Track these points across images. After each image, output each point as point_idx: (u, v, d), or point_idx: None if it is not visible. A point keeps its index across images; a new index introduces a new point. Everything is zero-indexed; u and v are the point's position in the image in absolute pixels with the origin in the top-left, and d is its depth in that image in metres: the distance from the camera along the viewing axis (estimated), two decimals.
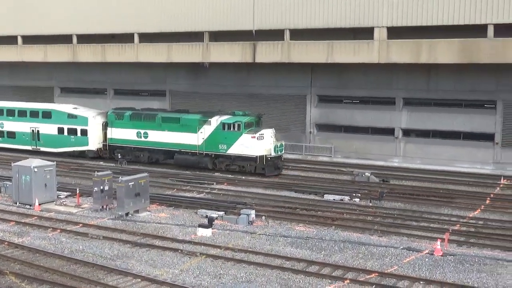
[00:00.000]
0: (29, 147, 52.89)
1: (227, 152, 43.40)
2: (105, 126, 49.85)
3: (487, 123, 45.83)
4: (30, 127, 52.59)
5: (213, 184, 41.67)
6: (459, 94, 46.66)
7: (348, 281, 23.37)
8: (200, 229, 29.83)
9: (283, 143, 44.44)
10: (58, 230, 30.49)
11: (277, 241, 28.69)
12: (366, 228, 30.72)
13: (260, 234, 29.75)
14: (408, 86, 48.45)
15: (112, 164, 47.80)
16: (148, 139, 46.99)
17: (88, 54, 57.96)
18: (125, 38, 55.47)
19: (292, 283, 23.32)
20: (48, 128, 51.62)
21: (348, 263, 25.50)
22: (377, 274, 23.97)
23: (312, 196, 38.00)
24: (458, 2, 41.90)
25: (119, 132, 48.42)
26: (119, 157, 47.97)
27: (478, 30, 41.70)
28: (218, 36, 52.48)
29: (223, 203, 35.85)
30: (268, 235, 29.59)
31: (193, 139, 44.47)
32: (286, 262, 25.65)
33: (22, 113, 53.42)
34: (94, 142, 49.99)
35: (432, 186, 40.57)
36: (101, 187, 33.64)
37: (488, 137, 46.02)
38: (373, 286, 22.77)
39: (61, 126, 51.05)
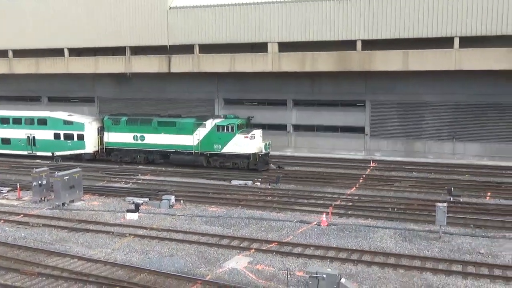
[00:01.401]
0: (25, 152, 48.43)
1: (222, 151, 41.37)
2: (100, 131, 46.53)
3: (358, 119, 47.57)
4: (26, 134, 48.14)
5: (138, 175, 40.76)
6: (337, 96, 48.06)
7: (253, 250, 23.62)
8: (128, 213, 29.16)
9: (271, 142, 42.70)
10: (2, 221, 28.82)
11: (194, 220, 28.52)
12: (266, 206, 31.09)
13: (179, 215, 29.46)
14: (296, 90, 49.43)
15: (65, 163, 45.69)
16: (145, 141, 44.12)
17: (23, 66, 55.05)
18: (57, 52, 53.16)
19: (208, 255, 23.29)
20: (44, 134, 47.48)
21: (253, 235, 25.74)
22: (276, 244, 24.36)
23: (221, 182, 38.01)
24: (333, 22, 43.26)
25: (115, 136, 45.21)
26: (118, 159, 45.59)
27: (350, 44, 43.28)
28: (139, 50, 51.42)
29: (147, 191, 35.19)
30: (186, 216, 29.36)
31: (189, 140, 42.32)
32: (202, 237, 25.56)
33: (16, 121, 48.61)
34: (90, 146, 46.49)
35: (317, 170, 41.56)
36: (39, 182, 32.17)
37: (359, 130, 47.75)
38: (274, 253, 23.13)
39: (57, 132, 47.13)
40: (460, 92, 43.91)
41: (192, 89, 52.91)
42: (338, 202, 31.59)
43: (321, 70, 44.58)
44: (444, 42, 40.53)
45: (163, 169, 42.55)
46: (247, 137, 40.51)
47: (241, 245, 24.43)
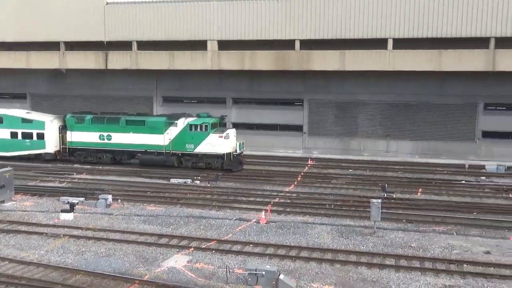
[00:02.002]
0: None
1: (194, 151, 39.85)
2: (61, 129, 43.77)
3: (297, 117, 48.27)
4: None
5: (73, 174, 39.57)
6: (276, 94, 48.58)
7: (192, 249, 23.47)
8: (62, 214, 28.25)
9: (244, 142, 41.44)
10: None
11: (132, 219, 28.00)
12: (206, 204, 30.98)
13: (117, 215, 28.83)
14: (236, 88, 49.52)
15: None
16: (112, 141, 41.83)
17: None
18: None
19: (146, 254, 22.93)
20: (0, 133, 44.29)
21: (192, 234, 25.58)
22: (216, 241, 24.31)
23: (160, 181, 37.53)
24: (273, 21, 43.70)
25: (79, 135, 42.65)
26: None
27: (288, 44, 43.83)
28: (76, 45, 49.90)
29: (83, 190, 34.22)
30: (124, 215, 28.78)
31: (160, 139, 40.52)
32: (140, 237, 25.14)
33: None
34: (51, 145, 43.66)
35: (257, 168, 41.80)
36: None
37: (298, 128, 48.49)
38: (213, 251, 23.10)
39: (14, 130, 44.01)
40: (393, 92, 45.46)
41: (130, 87, 51.92)
42: (276, 200, 31.90)
43: (260, 69, 44.93)
44: (379, 44, 41.80)
45: (100, 168, 41.49)
46: (222, 136, 39.25)
47: (180, 243, 24.21)
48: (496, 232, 25.58)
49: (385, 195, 32.23)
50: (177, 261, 22.12)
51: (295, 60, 43.56)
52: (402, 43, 41.45)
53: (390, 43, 41.49)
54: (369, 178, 37.43)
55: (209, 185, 36.12)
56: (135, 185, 36.16)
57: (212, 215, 28.66)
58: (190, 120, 40.17)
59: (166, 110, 49.82)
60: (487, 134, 44.61)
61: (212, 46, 45.39)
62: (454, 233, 25.50)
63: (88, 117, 42.73)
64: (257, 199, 32.15)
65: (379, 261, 21.95)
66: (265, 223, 27.06)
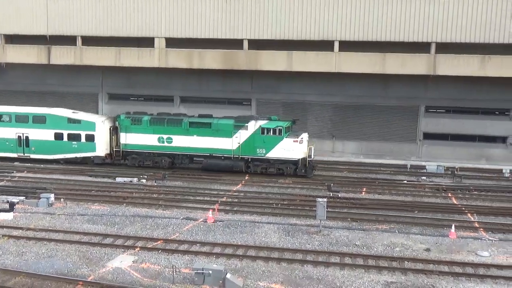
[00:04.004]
0: (14, 155, 41.49)
1: (266, 155, 37.62)
2: (112, 131, 40.96)
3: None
4: (16, 133, 41.11)
5: (13, 172, 38.11)
6: (224, 93, 48.52)
7: (138, 248, 23.11)
8: (1, 213, 27.15)
9: (314, 146, 38.92)
10: None
11: (75, 219, 27.27)
12: (152, 203, 30.58)
13: (59, 214, 28.00)
14: (184, 86, 49.13)
15: None
16: (172, 144, 39.03)
17: None
18: None
19: (90, 254, 22.39)
20: (41, 134, 40.77)
21: (138, 233, 25.18)
22: (162, 241, 24.04)
23: (105, 179, 36.72)
24: (221, 20, 43.60)
25: (135, 138, 39.57)
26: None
27: (237, 44, 43.88)
28: (17, 39, 48.03)
29: (23, 189, 33.02)
30: (67, 214, 27.99)
31: (227, 143, 38.00)
32: (84, 237, 24.52)
33: (4, 117, 41.44)
34: (102, 148, 40.60)
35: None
36: None
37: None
38: (159, 251, 22.82)
39: (59, 131, 40.57)
40: (340, 93, 46.34)
41: (74, 82, 50.55)
42: (224, 199, 31.87)
43: (209, 68, 44.75)
44: (326, 46, 42.49)
45: (42, 166, 40.15)
46: (297, 141, 37.13)
47: (126, 243, 23.79)
48: (436, 230, 26.53)
49: (331, 194, 32.81)
50: (122, 261, 21.71)
51: (243, 60, 43.68)
52: (348, 46, 42.30)
53: (336, 46, 42.25)
54: (315, 178, 37.96)
55: (155, 184, 35.65)
56: (79, 183, 35.25)
57: (159, 215, 28.31)
58: (262, 123, 37.62)
59: (112, 108, 48.80)
60: (427, 136, 46.25)
61: (160, 43, 44.85)
62: (396, 231, 26.26)
63: (146, 118, 39.64)
64: (205, 198, 32.02)
65: (325, 259, 22.32)
66: (213, 222, 26.99)
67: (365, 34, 41.84)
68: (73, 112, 41.93)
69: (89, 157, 40.83)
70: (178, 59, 44.73)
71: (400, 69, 41.58)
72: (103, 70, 49.21)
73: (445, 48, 41.20)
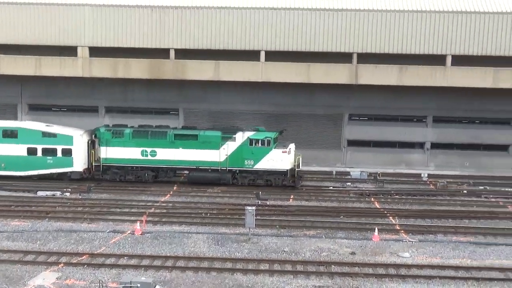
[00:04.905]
0: None
1: (254, 167, 37.13)
2: (90, 144, 38.77)
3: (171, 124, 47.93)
4: None
5: None
6: (151, 103, 47.90)
7: (62, 264, 22.33)
8: None
9: (301, 156, 38.42)
10: None
11: None
12: (77, 217, 29.63)
13: None
14: (109, 96, 48.06)
15: None
16: (157, 157, 37.70)
17: None
18: None
19: (10, 273, 21.36)
20: (12, 149, 37.88)
21: (61, 249, 24.33)
22: (88, 256, 23.36)
23: (26, 194, 35.19)
24: (147, 30, 43.17)
25: (117, 151, 37.83)
26: None
27: (164, 53, 43.57)
28: None
29: None
30: None
31: (215, 155, 37.14)
32: (3, 255, 23.34)
33: None
34: (80, 163, 38.30)
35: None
36: None
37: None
38: (85, 266, 22.16)
39: (32, 146, 37.93)
40: (267, 102, 47.04)
41: None
42: (152, 210, 31.44)
43: (135, 77, 44.09)
44: (253, 55, 43.08)
45: None
46: (285, 151, 36.96)
47: (49, 260, 22.90)
48: (360, 234, 27.49)
49: (259, 202, 33.17)
50: (45, 278, 20.89)
51: (170, 69, 43.39)
52: (274, 56, 43.10)
53: (262, 55, 42.95)
54: (244, 186, 38.21)
55: (80, 196, 34.60)
56: None
57: (84, 228, 27.49)
58: (249, 134, 37.28)
59: (33, 119, 46.79)
60: (351, 143, 47.88)
61: (83, 52, 43.67)
62: (323, 236, 26.97)
63: (128, 130, 38.21)
64: (132, 210, 31.45)
65: (254, 267, 22.53)
66: (141, 234, 26.56)
67: (290, 45, 42.80)
68: (47, 126, 39.80)
69: (65, 173, 38.83)
70: (103, 68, 43.74)
71: (324, 78, 42.85)
72: (22, 80, 47.18)
73: (365, 58, 42.92)
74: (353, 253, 24.41)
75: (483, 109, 46.45)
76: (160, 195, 35.56)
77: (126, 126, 39.40)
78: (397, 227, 28.65)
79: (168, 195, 35.51)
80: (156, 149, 37.81)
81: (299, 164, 37.69)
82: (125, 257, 23.33)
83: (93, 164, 38.74)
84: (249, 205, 29.88)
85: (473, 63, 42.72)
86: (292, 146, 37.95)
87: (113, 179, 38.59)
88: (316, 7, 43.48)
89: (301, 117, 47.20)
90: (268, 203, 33.38)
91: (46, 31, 43.68)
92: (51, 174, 38.72)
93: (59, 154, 38.25)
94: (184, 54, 44.18)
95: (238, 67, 42.97)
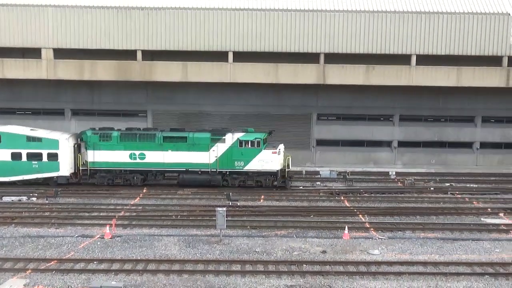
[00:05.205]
0: None
1: (244, 168, 36.90)
2: (76, 148, 37.77)
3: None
4: None
5: None
6: (118, 105, 47.34)
7: (30, 271, 21.86)
8: None
9: (291, 157, 38.50)
10: None
11: None
12: (44, 222, 29.03)
13: None
14: (75, 99, 47.27)
15: None
16: (146, 160, 37.13)
17: None
18: None
19: None
20: None
21: (29, 255, 23.81)
22: (56, 261, 22.92)
23: None
24: (112, 31, 42.62)
25: (104, 155, 37.08)
26: None
27: (131, 54, 43.13)
28: None
29: None
30: None
31: (204, 157, 36.82)
32: None
33: None
34: (66, 167, 37.32)
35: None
36: None
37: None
38: (53, 272, 21.75)
39: (16, 151, 36.70)
40: (236, 103, 47.06)
41: None
42: (122, 214, 31.07)
43: (101, 79, 43.50)
44: (221, 56, 43.01)
45: None
46: (275, 152, 36.88)
47: (16, 266, 22.37)
48: (331, 232, 27.75)
49: (230, 203, 33.14)
50: (12, 285, 20.43)
51: (137, 71, 42.95)
52: (243, 56, 43.13)
53: (230, 56, 42.91)
54: (214, 187, 38.12)
55: (47, 201, 33.93)
56: None
57: (52, 234, 26.97)
58: (239, 135, 37.05)
59: None
60: (320, 142, 48.30)
61: (47, 54, 42.83)
62: (294, 236, 27.11)
63: (116, 133, 37.49)
64: (101, 214, 31.02)
65: (226, 268, 22.50)
66: (110, 238, 26.21)
67: (258, 45, 42.89)
68: (31, 130, 38.95)
69: (51, 178, 37.90)
70: (68, 70, 43.00)
71: (292, 78, 43.10)
72: None
73: (332, 58, 43.35)
74: (324, 252, 24.61)
75: (447, 107, 47.54)
76: (130, 198, 35.17)
77: (112, 129, 38.80)
78: (367, 225, 29.03)
79: (138, 198, 35.15)
80: (145, 152, 37.42)
81: (288, 164, 37.81)
82: (95, 262, 22.99)
83: (81, 168, 38.09)
84: (220, 206, 29.85)
85: (438, 62, 43.66)
86: (281, 146, 38.03)
87: (100, 183, 38.05)
88: (284, 8, 43.83)
89: (270, 118, 47.34)
90: (239, 204, 33.37)
91: (8, 32, 42.69)
92: (37, 179, 37.89)
93: (45, 158, 37.36)
94: (152, 55, 43.83)
95: (206, 68, 42.84)
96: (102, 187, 37.75)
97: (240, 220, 29.71)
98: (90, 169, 37.79)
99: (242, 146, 36.90)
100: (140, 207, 32.76)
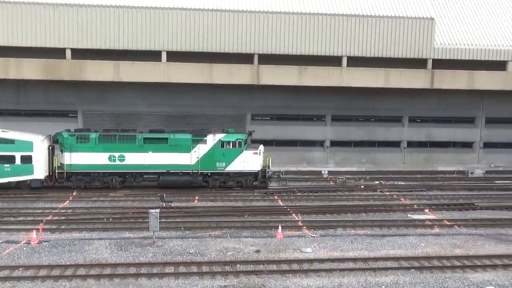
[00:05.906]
0: None
1: (226, 169, 36.73)
2: (51, 150, 35.88)
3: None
4: None
5: None
6: (46, 105, 45.60)
7: None
8: None
9: (270, 157, 38.36)
10: None
11: None
12: None
13: None
14: (1, 99, 45.13)
15: None
16: (125, 162, 36.03)
17: None
18: None
19: None
20: None
21: None
22: None
23: None
24: (40, 28, 41.02)
25: (82, 157, 35.67)
26: None
27: (60, 53, 41.65)
28: None
29: None
30: None
31: (186, 158, 36.19)
32: None
33: None
34: (41, 170, 35.31)
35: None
36: None
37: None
38: None
39: None
40: (170, 103, 46.52)
41: None
42: (50, 218, 29.91)
43: (28, 78, 41.74)
44: (154, 56, 42.38)
45: None
46: (256, 153, 37.10)
47: None
48: (265, 232, 27.94)
49: (164, 205, 32.69)
50: None
51: (66, 70, 41.54)
52: (178, 56, 42.68)
53: (164, 56, 42.37)
54: (148, 189, 37.49)
55: None
56: None
57: None
58: (220, 136, 36.80)
59: None
60: (254, 142, 48.42)
61: None
62: (228, 236, 27.09)
63: (94, 135, 36.02)
64: (28, 218, 29.71)
65: (159, 270, 22.14)
66: (37, 243, 25.17)
67: (192, 45, 42.62)
68: (2, 131, 36.63)
69: (25, 181, 35.95)
70: None
71: (227, 79, 43.10)
72: None
73: (265, 59, 43.73)
74: (257, 251, 24.73)
75: (377, 107, 49.11)
76: (59, 201, 33.96)
77: (89, 130, 37.44)
78: (300, 224, 29.44)
79: (67, 201, 33.99)
80: (124, 154, 36.51)
81: (269, 165, 38.18)
82: (20, 268, 21.98)
83: (57, 171, 36.59)
84: (153, 208, 29.36)
85: (368, 64, 45.01)
86: (261, 147, 38.34)
87: (77, 186, 36.89)
88: (216, 8, 43.77)
89: (205, 118, 47.13)
90: (172, 205, 32.98)
91: None
92: (9, 183, 35.91)
93: (18, 161, 35.38)
94: (84, 54, 42.51)
95: (139, 68, 42.07)
96: (29, 191, 36.25)
97: (174, 221, 29.35)
98: (66, 172, 36.43)
99: (223, 147, 37.02)
100: (70, 210, 31.70)
